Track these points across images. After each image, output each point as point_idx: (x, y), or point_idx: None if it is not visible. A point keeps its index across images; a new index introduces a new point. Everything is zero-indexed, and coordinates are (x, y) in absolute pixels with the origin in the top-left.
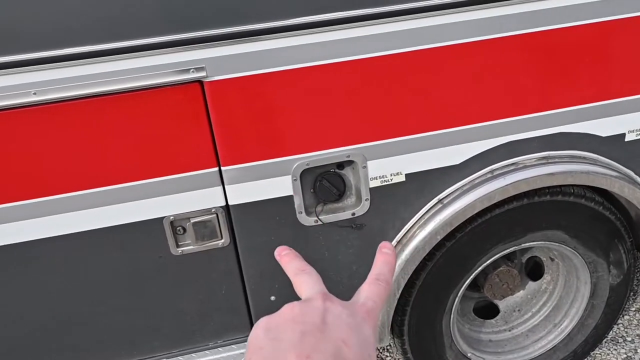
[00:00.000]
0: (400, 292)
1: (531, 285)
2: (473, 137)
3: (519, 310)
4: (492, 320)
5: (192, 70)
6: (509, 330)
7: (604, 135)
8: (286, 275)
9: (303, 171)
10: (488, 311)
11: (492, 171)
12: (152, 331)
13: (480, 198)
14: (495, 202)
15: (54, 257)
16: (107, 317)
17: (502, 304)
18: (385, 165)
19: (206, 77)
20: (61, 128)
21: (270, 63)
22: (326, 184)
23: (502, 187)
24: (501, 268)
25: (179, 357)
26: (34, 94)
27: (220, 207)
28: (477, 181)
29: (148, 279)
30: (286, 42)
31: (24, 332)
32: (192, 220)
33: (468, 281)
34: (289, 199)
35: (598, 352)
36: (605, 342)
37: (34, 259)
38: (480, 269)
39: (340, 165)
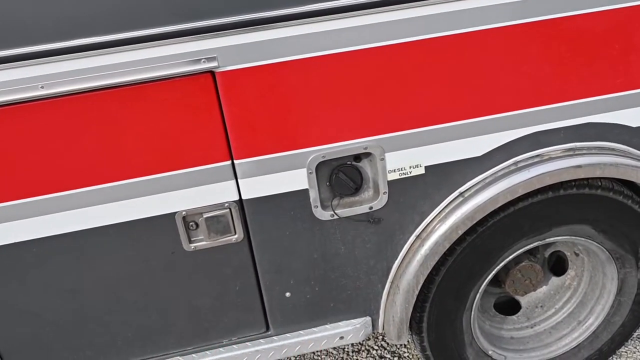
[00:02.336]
0: (419, 288)
1: (554, 280)
2: (496, 128)
3: (541, 306)
4: (514, 317)
5: (203, 60)
6: (531, 327)
7: (634, 125)
8: (302, 272)
9: (319, 164)
10: (509, 307)
11: (516, 163)
12: (165, 328)
13: (503, 191)
14: (518, 195)
15: (65, 254)
16: (120, 314)
17: (524, 300)
18: (404, 158)
19: (218, 67)
20: (69, 122)
21: (284, 52)
22: (342, 177)
23: (526, 180)
24: (523, 263)
25: (193, 355)
26: (42, 87)
27: (234, 201)
28: (500, 174)
29: (161, 276)
30: (300, 30)
31: (37, 329)
32: (205, 216)
33: (489, 277)
34: (304, 193)
35: (624, 350)
36: (632, 339)
37: (45, 256)
38: (502, 264)
39: (357, 157)
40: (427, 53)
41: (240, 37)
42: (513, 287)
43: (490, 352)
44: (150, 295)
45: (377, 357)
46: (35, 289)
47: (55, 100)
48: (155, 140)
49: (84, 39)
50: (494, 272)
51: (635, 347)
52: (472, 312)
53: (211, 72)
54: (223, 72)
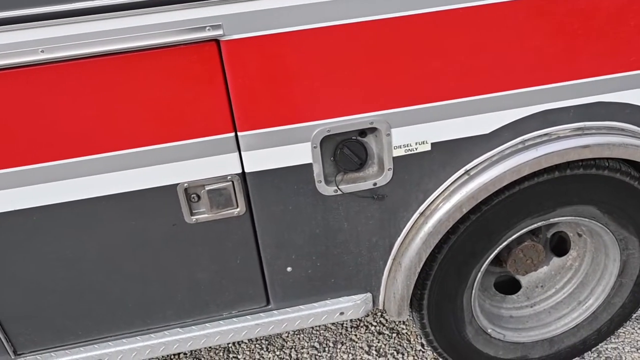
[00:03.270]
0: (421, 266)
1: (556, 261)
2: (504, 105)
3: (542, 286)
4: (514, 296)
5: (208, 28)
6: (531, 307)
7: None
8: (304, 247)
9: (323, 138)
10: (510, 286)
11: (523, 142)
12: (165, 300)
13: (510, 170)
14: (525, 175)
15: (65, 223)
16: (119, 284)
17: (524, 280)
18: (411, 134)
19: (223, 35)
20: (69, 88)
21: (292, 21)
22: (347, 152)
23: (533, 159)
24: (526, 243)
25: (193, 327)
26: (42, 51)
27: (236, 174)
28: (506, 152)
29: (161, 247)
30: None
31: (37, 298)
32: (207, 188)
33: (492, 256)
34: (308, 167)
35: (622, 331)
36: (630, 320)
37: (45, 224)
38: (505, 243)
39: (363, 132)
40: (435, 27)
41: (247, 4)
42: (514, 266)
43: (489, 331)
44: (150, 267)
45: (375, 333)
46: (34, 257)
47: (56, 66)
48: (157, 109)
49: (86, 2)
50: (496, 252)
51: (634, 328)
52: (473, 291)
53: (216, 41)
54: (228, 40)
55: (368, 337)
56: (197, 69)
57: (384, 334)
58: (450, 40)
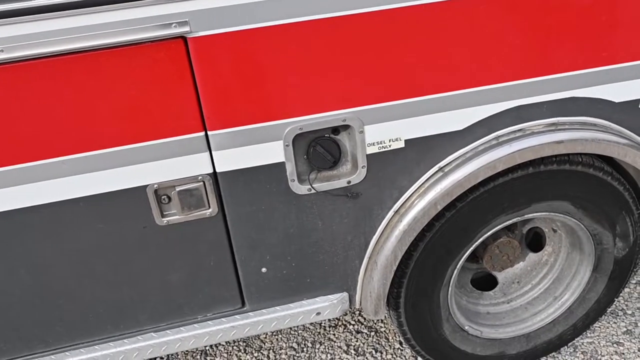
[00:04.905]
0: (397, 264)
1: (531, 256)
2: (478, 101)
3: (518, 282)
4: (490, 292)
5: (174, 24)
6: (508, 303)
7: (617, 100)
8: (278, 247)
9: (296, 136)
10: (486, 283)
11: (497, 137)
12: (138, 304)
13: (484, 166)
14: (499, 171)
15: (32, 228)
16: (90, 289)
17: (500, 276)
18: (384, 131)
19: (190, 32)
20: (30, 89)
21: (261, 17)
22: (320, 150)
23: (507, 154)
24: (501, 239)
25: (167, 331)
26: (1, 51)
27: (207, 174)
28: (480, 148)
29: (132, 250)
30: None
31: (3, 306)
32: (178, 189)
33: (468, 253)
34: (280, 166)
35: (598, 325)
36: (605, 315)
37: (9, 230)
38: (480, 240)
39: (336, 130)
40: (406, 22)
41: (214, 0)
42: (490, 262)
43: (466, 327)
44: (121, 271)
45: (354, 332)
46: (1, 267)
47: (16, 65)
48: (124, 109)
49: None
50: (472, 248)
51: (609, 322)
52: (450, 288)
53: (183, 38)
54: (196, 37)
55: (346, 336)
56: (164, 67)
57: (362, 332)
58: (422, 36)
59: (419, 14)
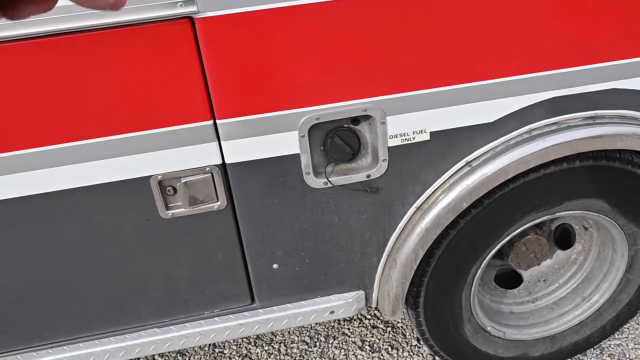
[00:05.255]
0: (418, 263)
1: (559, 254)
2: (510, 92)
3: (544, 280)
4: (515, 291)
5: (179, 3)
6: (533, 302)
7: None
8: (291, 243)
9: (312, 127)
10: (510, 280)
11: (529, 131)
12: (141, 298)
13: (515, 162)
14: (531, 167)
15: (30, 218)
16: (89, 283)
17: (525, 274)
18: (408, 122)
19: (197, 12)
20: (28, 71)
21: None
22: (338, 141)
23: (540, 150)
24: (529, 236)
25: (171, 327)
26: None
27: (216, 165)
28: (511, 142)
29: (134, 243)
30: None
31: (2, 303)
32: (183, 180)
33: (493, 252)
34: (295, 158)
35: (626, 327)
36: (635, 316)
37: (7, 220)
38: (507, 238)
39: (356, 120)
40: (436, 5)
41: None
42: (516, 260)
43: (488, 328)
44: (122, 264)
45: (369, 327)
46: None
47: (11, 45)
48: (127, 95)
49: None
50: (498, 247)
51: (638, 324)
52: (473, 287)
53: (189, 18)
54: (203, 18)
55: (361, 331)
56: (169, 50)
57: (378, 327)
58: (451, 21)
59: None
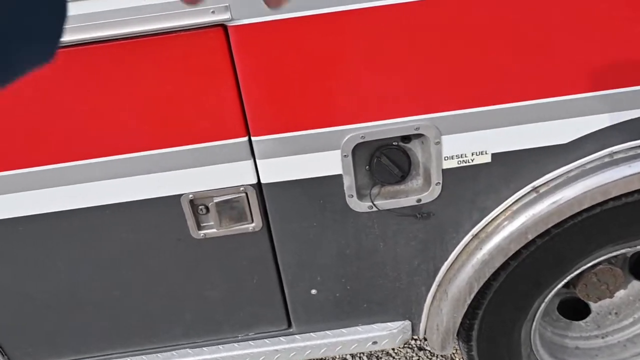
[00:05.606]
0: (472, 296)
1: (635, 285)
2: (589, 110)
3: (615, 313)
4: (581, 323)
5: (212, 10)
6: (602, 338)
7: None
8: (331, 268)
9: (356, 145)
10: (576, 309)
11: (611, 154)
12: (173, 318)
13: (592, 190)
14: (612, 196)
15: (61, 234)
16: (120, 301)
17: (594, 304)
18: (466, 142)
19: (231, 19)
20: (54, 84)
21: (317, 2)
22: (385, 161)
23: (624, 177)
24: (601, 266)
25: (204, 349)
26: None
27: (251, 185)
28: (588, 167)
29: (165, 263)
30: None
31: (33, 314)
32: (216, 200)
33: (559, 286)
34: (336, 179)
35: None
36: None
37: (39, 235)
38: (577, 272)
39: (406, 137)
40: (500, 9)
41: None
42: (585, 291)
43: None
44: (153, 283)
45: (415, 349)
46: (30, 272)
47: None
48: (156, 109)
49: None
50: (565, 281)
51: None
52: (534, 323)
53: (223, 26)
54: (238, 26)
55: (407, 352)
56: (201, 61)
57: (425, 350)
58: (518, 27)
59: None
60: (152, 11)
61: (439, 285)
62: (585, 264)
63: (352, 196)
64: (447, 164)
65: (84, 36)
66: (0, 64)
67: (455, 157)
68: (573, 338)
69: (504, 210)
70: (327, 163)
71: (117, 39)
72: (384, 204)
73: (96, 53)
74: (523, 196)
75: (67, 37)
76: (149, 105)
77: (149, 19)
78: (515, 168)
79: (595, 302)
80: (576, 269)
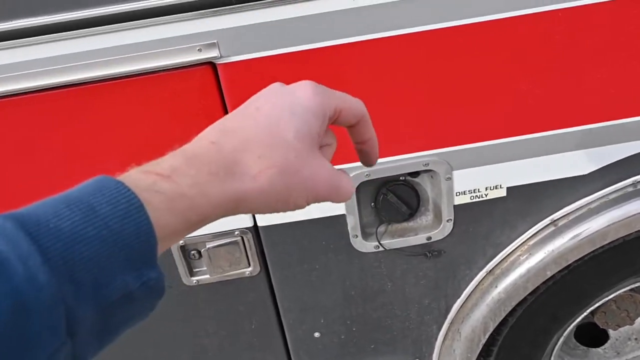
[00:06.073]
0: (487, 336)
1: None
2: (609, 139)
3: (635, 339)
4: (600, 350)
5: (199, 48)
6: None
7: None
8: (336, 310)
9: (361, 183)
10: (592, 334)
11: (635, 184)
12: None
13: (617, 224)
14: (636, 230)
15: None
16: (111, 351)
17: (613, 330)
18: (479, 177)
19: (220, 57)
20: (30, 127)
21: (315, 35)
22: (392, 198)
23: None
24: (621, 292)
25: None
26: None
27: (246, 228)
28: (611, 198)
29: (157, 311)
30: (336, 3)
31: None
32: (209, 245)
33: (578, 320)
34: (340, 219)
35: None
36: None
37: None
38: (597, 305)
39: (415, 172)
40: (512, 38)
41: (252, 14)
42: (604, 319)
43: None
44: (145, 332)
45: None
46: None
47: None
48: (142, 150)
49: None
50: (584, 314)
51: None
52: (552, 357)
53: (211, 64)
54: (227, 63)
55: None
56: (188, 101)
57: None
58: (535, 55)
59: (529, 24)
60: (133, 50)
61: (450, 324)
62: (605, 297)
63: (357, 236)
64: (459, 200)
65: (65, 79)
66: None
67: (467, 192)
68: None
69: (520, 245)
70: (329, 203)
71: (98, 81)
72: (391, 243)
73: (79, 96)
74: (540, 230)
75: (32, 83)
76: (133, 148)
77: (131, 59)
78: (532, 201)
79: (615, 329)
80: (596, 302)
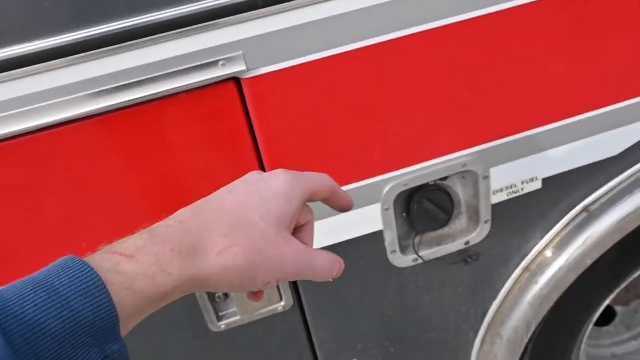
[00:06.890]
0: (530, 335)
1: None
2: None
3: None
4: (610, 328)
5: (222, 62)
6: (635, 339)
7: None
8: (373, 334)
9: (398, 194)
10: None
11: None
12: None
13: None
14: None
15: None
16: None
17: (618, 307)
18: (516, 171)
19: (246, 71)
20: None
21: (344, 38)
22: (429, 205)
23: None
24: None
25: None
26: None
27: None
28: None
29: None
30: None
31: None
32: None
33: (606, 303)
34: (376, 236)
35: None
36: None
37: None
38: (620, 288)
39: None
40: (543, 23)
41: (277, 19)
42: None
43: None
44: None
45: None
46: None
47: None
48: (161, 181)
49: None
50: (613, 296)
51: None
52: (582, 346)
53: (236, 79)
54: (252, 78)
55: None
56: (211, 122)
57: None
58: (566, 36)
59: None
60: (149, 72)
61: (488, 328)
62: (635, 274)
63: (395, 252)
64: (496, 198)
65: (78, 112)
66: None
67: (504, 189)
68: (607, 346)
69: (554, 237)
70: (365, 220)
71: (110, 112)
72: (429, 254)
73: (92, 129)
74: (574, 218)
75: (29, 123)
76: (152, 177)
77: (146, 82)
78: (564, 190)
79: (624, 305)
80: (626, 281)
